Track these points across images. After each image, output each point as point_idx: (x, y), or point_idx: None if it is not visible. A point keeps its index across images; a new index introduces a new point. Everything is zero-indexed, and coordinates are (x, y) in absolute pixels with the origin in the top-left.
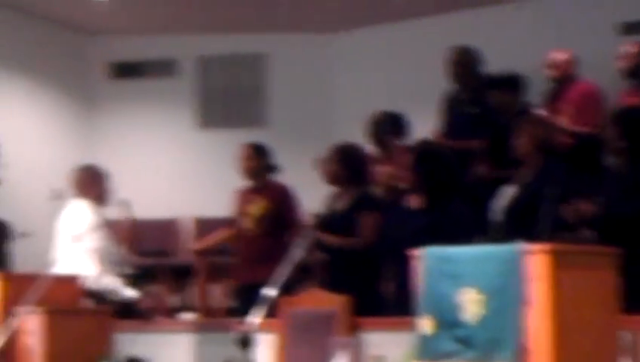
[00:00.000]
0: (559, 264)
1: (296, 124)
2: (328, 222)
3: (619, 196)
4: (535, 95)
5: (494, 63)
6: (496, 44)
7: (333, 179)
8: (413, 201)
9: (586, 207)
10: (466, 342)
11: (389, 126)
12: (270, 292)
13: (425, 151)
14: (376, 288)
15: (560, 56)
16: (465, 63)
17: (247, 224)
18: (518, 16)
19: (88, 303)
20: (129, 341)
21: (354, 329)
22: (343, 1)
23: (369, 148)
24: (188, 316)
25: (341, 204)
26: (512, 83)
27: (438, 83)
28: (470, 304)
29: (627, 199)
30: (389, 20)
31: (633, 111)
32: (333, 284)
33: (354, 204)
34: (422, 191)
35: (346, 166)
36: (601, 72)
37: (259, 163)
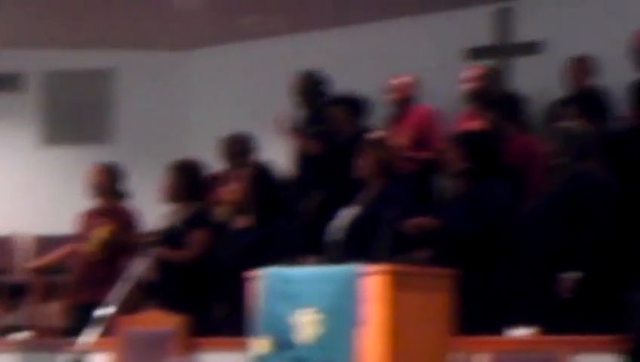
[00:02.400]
0: (396, 285)
1: (146, 141)
2: (165, 238)
3: (459, 216)
4: (378, 119)
5: (342, 85)
6: (344, 66)
7: (171, 194)
8: (241, 221)
9: (427, 222)
10: None
11: (240, 146)
12: (105, 311)
13: (258, 172)
14: (208, 308)
15: (400, 79)
16: (308, 87)
17: (90, 247)
18: (366, 39)
19: None
20: None
21: (190, 349)
22: (196, 19)
23: (219, 167)
24: (20, 335)
25: (176, 220)
26: (353, 103)
27: (290, 103)
28: (307, 324)
29: (468, 219)
30: (242, 39)
31: (475, 134)
32: (166, 303)
33: (188, 220)
34: (251, 209)
35: (184, 181)
36: (450, 96)
37: (110, 181)
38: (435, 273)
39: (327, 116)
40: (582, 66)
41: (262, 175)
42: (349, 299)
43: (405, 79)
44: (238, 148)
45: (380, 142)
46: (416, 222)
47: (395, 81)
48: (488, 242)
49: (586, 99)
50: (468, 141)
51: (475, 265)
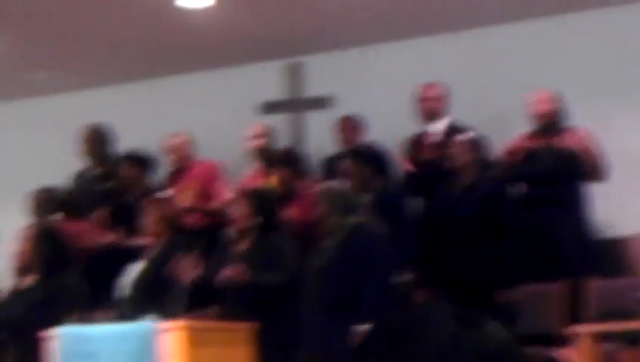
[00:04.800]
0: (192, 341)
1: None
2: None
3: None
4: (163, 175)
5: (132, 140)
6: (135, 122)
7: None
8: (27, 280)
9: (235, 273)
10: None
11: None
12: None
13: (42, 231)
14: None
15: (175, 140)
16: (95, 140)
17: None
18: (156, 94)
19: None
20: None
21: None
22: None
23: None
24: None
25: None
26: (141, 160)
27: (75, 160)
28: None
29: (259, 272)
30: (31, 95)
31: (262, 192)
32: None
33: None
34: (37, 267)
35: None
36: (243, 150)
37: None
38: (231, 328)
39: (117, 173)
40: (350, 124)
41: (46, 233)
42: (147, 356)
43: (179, 139)
44: (47, 202)
45: (161, 199)
46: (226, 275)
47: (171, 142)
48: (282, 293)
49: (357, 156)
50: (255, 198)
51: (271, 316)
